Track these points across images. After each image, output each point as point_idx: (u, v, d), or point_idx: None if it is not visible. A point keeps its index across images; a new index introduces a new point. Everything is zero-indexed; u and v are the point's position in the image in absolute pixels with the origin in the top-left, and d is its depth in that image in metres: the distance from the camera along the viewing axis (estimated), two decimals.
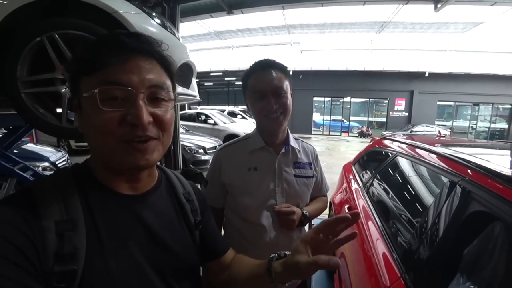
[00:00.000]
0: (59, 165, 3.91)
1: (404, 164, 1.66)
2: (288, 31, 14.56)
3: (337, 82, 17.02)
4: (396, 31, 14.27)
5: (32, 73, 1.40)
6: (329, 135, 18.15)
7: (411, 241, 1.08)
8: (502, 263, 0.72)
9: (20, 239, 0.39)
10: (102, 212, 0.48)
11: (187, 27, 12.29)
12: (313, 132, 18.15)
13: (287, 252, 0.59)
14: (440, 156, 1.25)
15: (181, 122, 6.19)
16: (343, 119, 18.58)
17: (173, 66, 0.56)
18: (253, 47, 17.60)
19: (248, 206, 1.03)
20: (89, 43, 0.51)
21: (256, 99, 0.99)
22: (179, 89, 1.94)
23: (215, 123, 9.39)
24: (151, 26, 1.64)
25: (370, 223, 1.47)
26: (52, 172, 0.56)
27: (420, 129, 13.90)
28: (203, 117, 9.87)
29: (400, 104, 17.10)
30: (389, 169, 1.81)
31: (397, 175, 1.69)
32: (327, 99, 18.63)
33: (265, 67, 0.99)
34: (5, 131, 2.73)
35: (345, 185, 2.43)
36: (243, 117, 12.68)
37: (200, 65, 2.30)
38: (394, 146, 1.96)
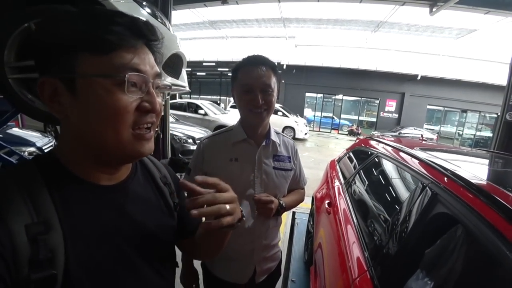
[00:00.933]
0: (45, 151, 3.85)
1: (383, 164, 1.72)
2: (284, 24, 14.49)
3: (330, 79, 17.10)
4: (391, 32, 14.41)
5: (19, 59, 1.38)
6: (319, 131, 18.29)
7: (381, 238, 1.13)
8: (458, 263, 0.77)
9: None
10: (80, 207, 0.46)
11: (180, 15, 12.06)
12: None
13: None
14: (414, 158, 1.30)
15: (172, 111, 6.14)
16: (334, 116, 18.74)
17: (160, 58, 0.56)
18: (247, 39, 17.44)
19: None
20: (98, 18, 0.45)
21: (243, 92, 1.01)
22: (168, 79, 1.94)
23: (205, 114, 9.34)
24: (141, 15, 1.63)
25: (346, 219, 1.52)
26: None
27: (409, 131, 14.14)
28: (193, 107, 9.79)
29: (391, 106, 17.35)
30: (369, 168, 1.87)
31: (375, 175, 1.76)
32: (319, 95, 18.71)
33: (256, 63, 1.01)
34: None
35: (328, 181, 2.49)
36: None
37: (193, 55, 2.28)
38: (377, 146, 2.02)
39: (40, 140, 4.04)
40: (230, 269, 1.13)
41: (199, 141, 1.16)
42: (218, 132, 1.17)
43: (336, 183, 2.21)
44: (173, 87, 2.07)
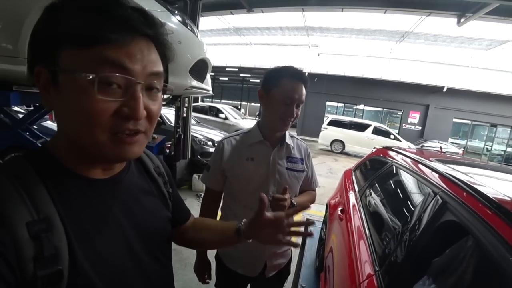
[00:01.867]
0: None
1: (396, 173, 1.73)
2: (307, 33, 14.53)
3: (351, 88, 16.85)
4: (417, 42, 14.05)
5: None
6: None
7: (390, 244, 1.16)
8: (468, 273, 0.77)
9: None
10: (78, 201, 0.45)
11: (206, 21, 12.43)
12: None
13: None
14: (428, 168, 1.32)
15: (193, 114, 6.31)
16: None
17: (169, 53, 0.50)
18: (270, 46, 17.65)
19: (243, 192, 1.16)
20: (87, 8, 0.41)
21: (283, 103, 1.08)
22: (194, 82, 2.07)
23: (226, 118, 9.52)
24: (172, 23, 1.76)
25: (358, 226, 1.55)
26: None
27: (432, 144, 13.57)
28: (214, 110, 10.00)
29: (414, 117, 16.80)
30: (383, 177, 1.89)
31: (388, 184, 1.77)
32: (340, 104, 18.47)
33: (300, 78, 1.09)
34: (27, 108, 2.91)
35: (342, 189, 2.51)
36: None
37: (217, 60, 2.40)
38: (393, 156, 2.03)
39: None
40: (242, 262, 1.21)
41: (219, 141, 1.25)
42: (237, 133, 1.26)
43: (351, 192, 2.22)
44: (197, 90, 2.19)
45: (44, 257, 0.38)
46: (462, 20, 5.86)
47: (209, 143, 6.12)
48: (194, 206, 3.70)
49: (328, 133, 11.96)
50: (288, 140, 1.21)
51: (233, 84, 27.33)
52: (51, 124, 4.58)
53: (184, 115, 5.03)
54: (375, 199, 1.75)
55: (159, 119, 0.54)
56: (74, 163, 0.46)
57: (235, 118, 9.69)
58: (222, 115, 9.63)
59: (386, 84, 16.13)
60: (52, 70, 0.41)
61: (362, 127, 11.88)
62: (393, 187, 1.69)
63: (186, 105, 4.98)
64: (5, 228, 0.36)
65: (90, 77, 0.39)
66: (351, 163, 6.32)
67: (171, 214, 0.67)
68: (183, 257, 2.48)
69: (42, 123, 4.15)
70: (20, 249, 0.36)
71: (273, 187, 1.16)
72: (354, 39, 15.01)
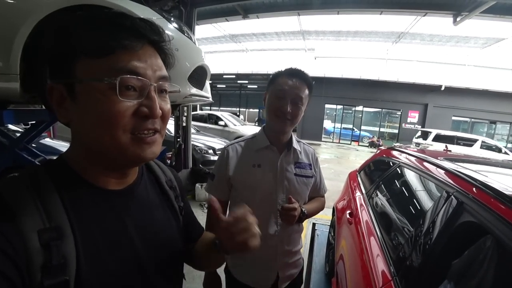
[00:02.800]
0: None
1: (405, 174, 1.69)
2: (303, 37, 14.64)
3: (350, 90, 16.91)
4: (413, 42, 14.16)
5: None
6: (339, 143, 18.01)
7: (405, 247, 1.12)
8: (490, 274, 0.75)
9: (1, 262, 0.35)
10: (90, 212, 0.45)
11: (202, 30, 12.55)
12: (323, 139, 18.08)
13: None
14: (439, 168, 1.28)
15: (193, 123, 6.30)
16: (354, 127, 18.44)
17: (171, 60, 0.53)
18: (267, 51, 17.78)
19: (251, 200, 1.10)
20: (98, 21, 0.44)
21: (275, 97, 1.06)
22: (193, 90, 2.04)
23: (225, 125, 9.49)
24: (169, 30, 1.74)
25: (369, 229, 1.51)
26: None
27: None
28: (214, 118, 9.98)
29: (413, 117, 16.84)
30: (390, 179, 1.85)
31: (397, 185, 1.73)
32: (339, 106, 18.52)
33: (295, 74, 1.07)
34: (25, 126, 2.89)
35: (349, 192, 2.47)
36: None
37: (214, 67, 2.39)
38: (398, 156, 1.99)
39: None
40: (253, 274, 1.15)
41: (223, 148, 1.20)
42: (242, 139, 1.21)
43: (358, 194, 2.18)
44: (197, 97, 2.17)
45: (52, 266, 0.38)
46: (458, 19, 5.88)
47: (210, 151, 6.11)
48: (198, 217, 3.57)
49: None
50: (295, 144, 1.17)
51: (231, 91, 27.48)
52: (50, 141, 4.55)
53: (184, 124, 5.02)
54: (385, 201, 1.71)
55: None
56: (89, 173, 0.48)
57: (235, 125, 9.67)
58: (221, 123, 9.60)
59: (384, 85, 16.20)
60: (68, 83, 0.43)
61: (468, 142, 10.85)
62: (403, 188, 1.65)
63: (185, 114, 4.97)
64: (18, 235, 0.37)
65: (113, 81, 0.41)
66: (358, 164, 6.29)
67: (182, 228, 0.65)
68: (191, 269, 2.41)
69: (40, 141, 4.12)
70: (30, 257, 0.37)
71: (282, 194, 1.11)
72: (350, 41, 15.11)
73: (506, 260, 0.70)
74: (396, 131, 17.63)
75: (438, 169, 1.28)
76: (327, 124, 18.82)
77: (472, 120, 16.92)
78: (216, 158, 6.06)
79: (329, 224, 2.86)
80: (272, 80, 1.11)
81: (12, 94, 1.39)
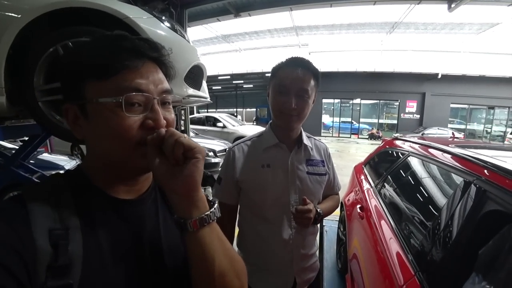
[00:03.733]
0: None
1: (417, 164, 1.64)
2: (296, 32, 14.59)
3: (346, 84, 16.91)
4: (407, 32, 14.13)
5: (47, 82, 1.43)
6: (338, 137, 18.01)
7: (425, 240, 1.07)
8: None
9: (10, 258, 0.36)
10: (101, 219, 0.47)
11: (194, 32, 12.46)
12: (322, 134, 18.06)
13: None
14: (454, 156, 1.23)
15: (191, 126, 6.24)
16: (352, 121, 18.44)
17: (172, 71, 0.56)
18: (260, 50, 17.71)
19: (262, 203, 1.04)
20: (94, 44, 0.49)
21: (278, 93, 0.99)
22: (190, 90, 1.97)
23: (224, 126, 9.43)
24: (161, 29, 1.68)
25: (382, 223, 1.46)
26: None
27: (432, 131, 13.65)
28: (212, 120, 9.92)
29: (412, 106, 16.86)
30: (401, 170, 1.79)
31: (409, 175, 1.68)
32: (337, 100, 18.53)
33: (297, 64, 0.99)
34: (21, 143, 2.84)
35: (356, 186, 2.41)
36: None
37: (208, 69, 2.33)
38: (406, 146, 1.94)
39: (68, 164, 4.24)
40: (269, 282, 1.08)
41: (228, 148, 1.12)
42: (247, 138, 1.14)
43: (366, 187, 2.13)
44: (194, 98, 2.10)
45: (58, 266, 0.39)
46: (453, 5, 5.85)
47: (211, 153, 6.05)
48: None
49: None
50: (305, 141, 1.09)
51: (227, 91, 27.41)
52: (48, 156, 4.53)
53: (182, 128, 4.96)
54: (398, 193, 1.66)
55: None
56: (102, 182, 0.50)
57: (234, 126, 9.61)
58: (220, 124, 9.55)
59: (380, 76, 16.21)
60: (80, 104, 0.47)
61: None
62: (417, 179, 1.59)
63: (183, 117, 4.92)
64: (30, 236, 0.39)
65: (119, 100, 0.45)
66: (359, 157, 6.29)
67: None
68: None
69: (38, 156, 4.06)
70: (39, 256, 0.38)
71: (295, 195, 1.04)
72: (344, 34, 15.07)
73: None
74: (395, 121, 17.64)
75: (453, 157, 1.23)
76: (326, 119, 18.81)
77: (471, 106, 16.97)
78: (217, 160, 6.02)
79: (338, 219, 2.80)
80: (273, 73, 1.03)
81: None
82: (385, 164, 2.17)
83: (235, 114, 20.54)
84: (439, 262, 0.92)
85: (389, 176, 1.88)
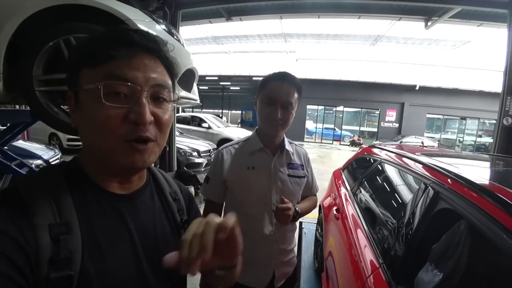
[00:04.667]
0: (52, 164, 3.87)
1: (386, 169, 1.81)
2: (285, 39, 14.84)
3: (330, 91, 17.33)
4: (389, 45, 14.76)
5: (47, 73, 1.47)
6: (321, 142, 18.39)
7: (389, 237, 1.21)
8: (464, 254, 0.83)
9: (12, 249, 0.37)
10: (96, 212, 0.47)
11: (184, 31, 12.37)
12: (305, 140, 18.38)
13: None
14: (416, 162, 1.40)
15: (176, 125, 6.23)
16: (335, 127, 18.90)
17: (175, 68, 0.55)
18: (249, 53, 17.83)
19: (246, 201, 1.15)
20: (95, 35, 0.49)
21: (266, 103, 1.10)
22: (182, 93, 2.06)
23: (209, 127, 9.37)
24: (158, 33, 1.75)
25: (355, 222, 1.60)
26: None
27: (410, 140, 14.19)
28: (197, 120, 9.84)
29: (391, 115, 17.51)
30: (374, 174, 1.96)
31: (380, 179, 1.84)
32: (320, 107, 18.94)
33: (284, 79, 1.09)
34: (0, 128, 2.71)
35: (334, 190, 2.56)
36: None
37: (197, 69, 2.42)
38: (380, 153, 2.11)
39: (46, 153, 4.06)
40: (250, 274, 1.15)
41: (217, 151, 1.21)
42: (235, 142, 1.25)
43: (343, 191, 2.28)
44: (185, 100, 2.19)
45: (60, 260, 0.40)
46: (429, 23, 6.24)
47: (195, 153, 6.05)
48: None
49: None
50: (287, 146, 1.21)
51: (214, 92, 27.29)
52: (24, 144, 4.32)
53: (164, 124, 4.96)
54: (369, 196, 1.82)
55: None
56: (96, 176, 0.50)
57: (219, 127, 9.57)
58: (205, 125, 9.47)
59: (363, 85, 16.75)
60: (76, 92, 0.48)
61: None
62: (385, 183, 1.76)
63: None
64: (31, 229, 0.39)
65: (97, 86, 0.44)
66: (340, 163, 6.46)
67: None
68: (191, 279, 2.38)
69: (13, 143, 3.89)
70: (40, 250, 0.39)
71: (276, 195, 1.15)
72: (330, 43, 15.51)
73: (478, 241, 0.79)
74: (375, 129, 18.26)
75: (416, 163, 1.40)
76: (309, 125, 19.17)
77: (445, 117, 17.86)
78: (200, 160, 6.04)
79: (316, 222, 2.95)
80: (262, 85, 1.14)
81: None
82: (361, 170, 2.33)
83: (221, 115, 20.52)
84: (399, 256, 1.06)
85: (362, 181, 2.04)
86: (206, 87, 24.70)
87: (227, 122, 16.18)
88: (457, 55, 15.01)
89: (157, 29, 1.79)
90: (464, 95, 15.99)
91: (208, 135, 8.92)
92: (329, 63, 17.00)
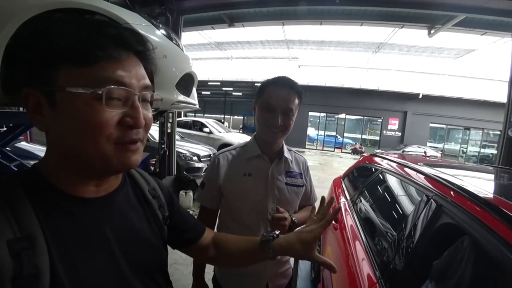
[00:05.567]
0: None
1: (388, 179, 1.76)
2: (287, 46, 14.92)
3: (332, 98, 17.34)
4: (392, 53, 14.78)
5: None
6: (322, 150, 18.32)
7: (389, 250, 1.16)
8: (467, 272, 0.79)
9: None
10: (64, 220, 0.44)
11: (187, 36, 12.50)
12: (307, 146, 18.34)
13: (277, 232, 0.73)
14: (419, 173, 1.35)
15: (177, 129, 6.23)
16: (337, 135, 18.86)
17: (153, 66, 0.53)
18: (251, 59, 17.93)
19: (241, 209, 1.10)
20: (83, 29, 0.43)
21: (265, 110, 1.05)
22: (181, 97, 2.03)
23: (210, 132, 9.39)
24: (158, 37, 1.74)
25: (353, 234, 1.55)
26: None
27: (412, 149, 14.16)
28: (198, 125, 9.88)
29: (394, 124, 17.46)
30: (374, 184, 1.91)
31: (381, 189, 1.79)
32: (322, 114, 18.93)
33: (284, 85, 1.05)
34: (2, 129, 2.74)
35: (333, 198, 2.51)
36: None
37: (199, 74, 2.40)
38: (381, 162, 2.06)
39: None
40: (242, 285, 1.13)
41: (214, 156, 1.18)
42: (233, 147, 1.20)
43: (342, 200, 2.23)
44: (184, 104, 2.16)
45: (23, 277, 0.36)
46: (432, 31, 6.24)
47: (195, 158, 6.04)
48: None
49: None
50: (286, 153, 1.16)
51: (216, 97, 27.46)
52: (26, 145, 4.33)
53: (169, 130, 4.96)
54: (368, 206, 1.76)
55: None
56: (65, 182, 0.46)
57: (220, 132, 9.59)
58: (206, 129, 9.50)
59: (365, 93, 16.73)
60: (47, 91, 0.42)
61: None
62: (386, 193, 1.71)
63: (170, 120, 4.92)
64: None
65: (98, 91, 0.41)
66: (341, 171, 6.42)
67: (174, 236, 0.66)
68: (180, 277, 2.36)
69: (16, 145, 3.93)
70: (0, 269, 0.35)
71: (273, 203, 1.10)
72: (332, 50, 15.57)
73: (482, 258, 0.74)
74: (377, 138, 18.19)
75: (418, 174, 1.35)
76: (311, 132, 19.14)
77: (448, 126, 17.78)
78: (200, 165, 6.01)
79: None
80: (261, 90, 1.09)
81: None
82: (362, 179, 2.28)
83: (222, 120, 20.57)
84: (398, 271, 1.00)
85: (363, 190, 1.99)
86: (209, 92, 24.85)
87: (229, 127, 16.23)
88: (460, 64, 14.97)
89: (157, 33, 1.78)
90: (468, 104, 15.89)
91: (209, 140, 8.95)
92: (332, 70, 17.00)
